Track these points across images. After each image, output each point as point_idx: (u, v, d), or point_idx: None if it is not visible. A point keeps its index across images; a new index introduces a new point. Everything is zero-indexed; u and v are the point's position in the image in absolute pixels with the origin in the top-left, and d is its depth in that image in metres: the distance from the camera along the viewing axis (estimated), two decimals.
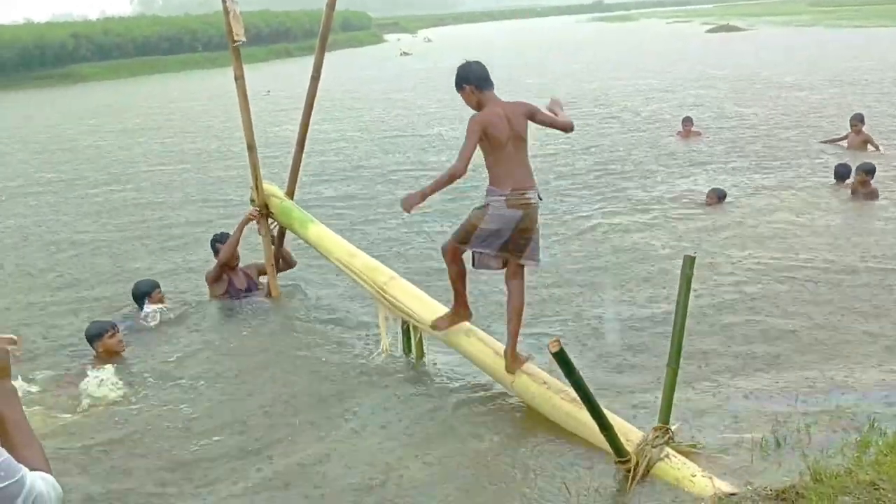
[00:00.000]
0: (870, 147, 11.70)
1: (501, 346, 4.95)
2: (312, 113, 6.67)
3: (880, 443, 3.90)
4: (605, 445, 3.94)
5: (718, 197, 9.38)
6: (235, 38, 6.36)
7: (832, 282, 6.64)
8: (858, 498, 3.26)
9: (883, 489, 3.33)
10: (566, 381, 3.89)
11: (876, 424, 4.11)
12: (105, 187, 12.83)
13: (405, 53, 44.30)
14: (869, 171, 9.19)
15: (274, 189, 7.03)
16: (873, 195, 9.15)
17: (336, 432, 4.70)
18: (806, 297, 6.35)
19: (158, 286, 6.87)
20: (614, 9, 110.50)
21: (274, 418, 4.93)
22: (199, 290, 7.25)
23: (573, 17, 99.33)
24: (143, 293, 6.72)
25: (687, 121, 13.92)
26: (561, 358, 3.51)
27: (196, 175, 13.44)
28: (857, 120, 11.89)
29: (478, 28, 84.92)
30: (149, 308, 6.63)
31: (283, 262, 7.27)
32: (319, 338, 6.24)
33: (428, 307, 5.41)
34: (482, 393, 5.08)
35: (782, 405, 4.54)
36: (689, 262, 3.94)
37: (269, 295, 6.99)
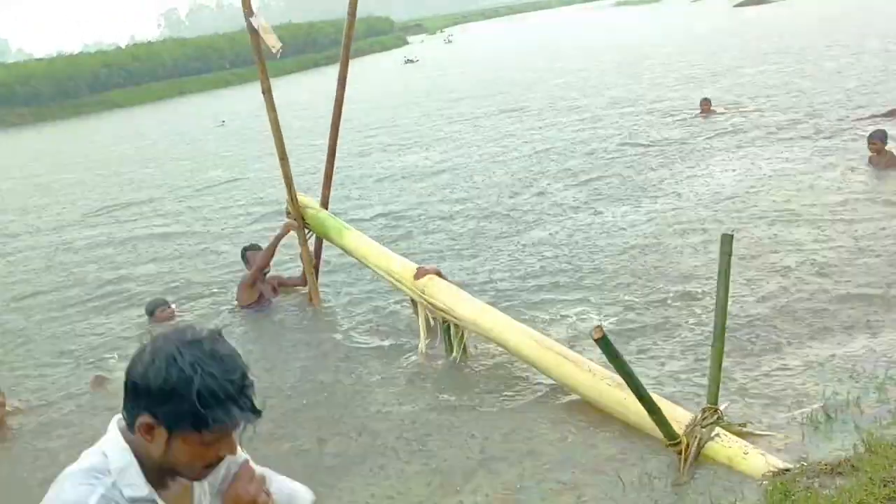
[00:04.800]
0: None
1: (544, 337, 4.99)
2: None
3: None
4: (655, 429, 3.96)
5: (881, 139, 8.76)
6: (273, 50, 6.45)
7: (883, 254, 6.50)
8: None
9: None
10: (612, 367, 3.94)
11: None
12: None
13: (410, 61, 42.31)
14: (880, 137, 8.80)
15: (308, 200, 7.15)
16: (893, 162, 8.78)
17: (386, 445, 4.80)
18: (849, 269, 6.24)
19: (166, 303, 7.45)
20: None
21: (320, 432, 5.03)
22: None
23: (594, 3, 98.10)
24: (150, 313, 7.38)
25: (705, 101, 13.89)
26: (605, 344, 3.53)
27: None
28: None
29: (501, 24, 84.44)
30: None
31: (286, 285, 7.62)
32: (360, 343, 6.34)
33: (468, 305, 5.45)
34: (526, 385, 5.12)
35: (830, 379, 4.50)
36: (728, 240, 3.92)
37: (310, 302, 7.14)
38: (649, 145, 12.10)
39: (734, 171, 9.84)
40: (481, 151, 13.80)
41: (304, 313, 7.10)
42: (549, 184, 10.62)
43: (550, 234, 8.43)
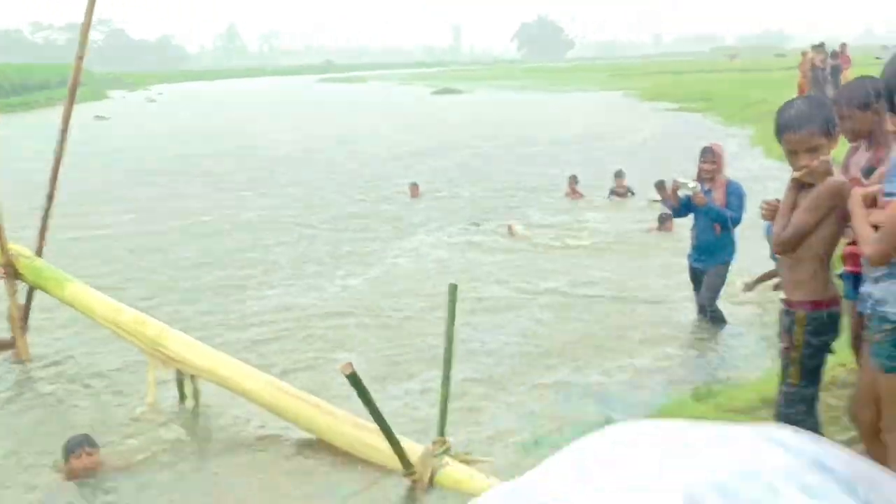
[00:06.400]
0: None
1: (284, 384, 5.18)
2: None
3: None
4: (392, 464, 4.35)
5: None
6: None
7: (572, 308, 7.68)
8: None
9: None
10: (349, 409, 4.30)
11: (611, 422, 4.93)
12: None
13: (100, 118, 40.12)
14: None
15: (20, 248, 6.68)
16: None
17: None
18: (546, 317, 7.27)
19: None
20: (343, 70, 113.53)
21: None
22: None
23: (305, 77, 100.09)
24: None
25: (414, 185, 14.87)
26: (354, 380, 3.85)
27: None
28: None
29: (207, 87, 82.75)
30: None
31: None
32: (77, 398, 6.02)
33: (205, 356, 5.48)
34: (263, 431, 5.24)
35: (538, 409, 5.29)
36: (453, 289, 4.49)
37: (18, 357, 6.59)
38: (361, 218, 12.77)
39: (434, 245, 10.78)
40: (188, 221, 12.95)
41: (13, 370, 6.51)
42: (265, 252, 10.59)
43: (276, 301, 8.52)
